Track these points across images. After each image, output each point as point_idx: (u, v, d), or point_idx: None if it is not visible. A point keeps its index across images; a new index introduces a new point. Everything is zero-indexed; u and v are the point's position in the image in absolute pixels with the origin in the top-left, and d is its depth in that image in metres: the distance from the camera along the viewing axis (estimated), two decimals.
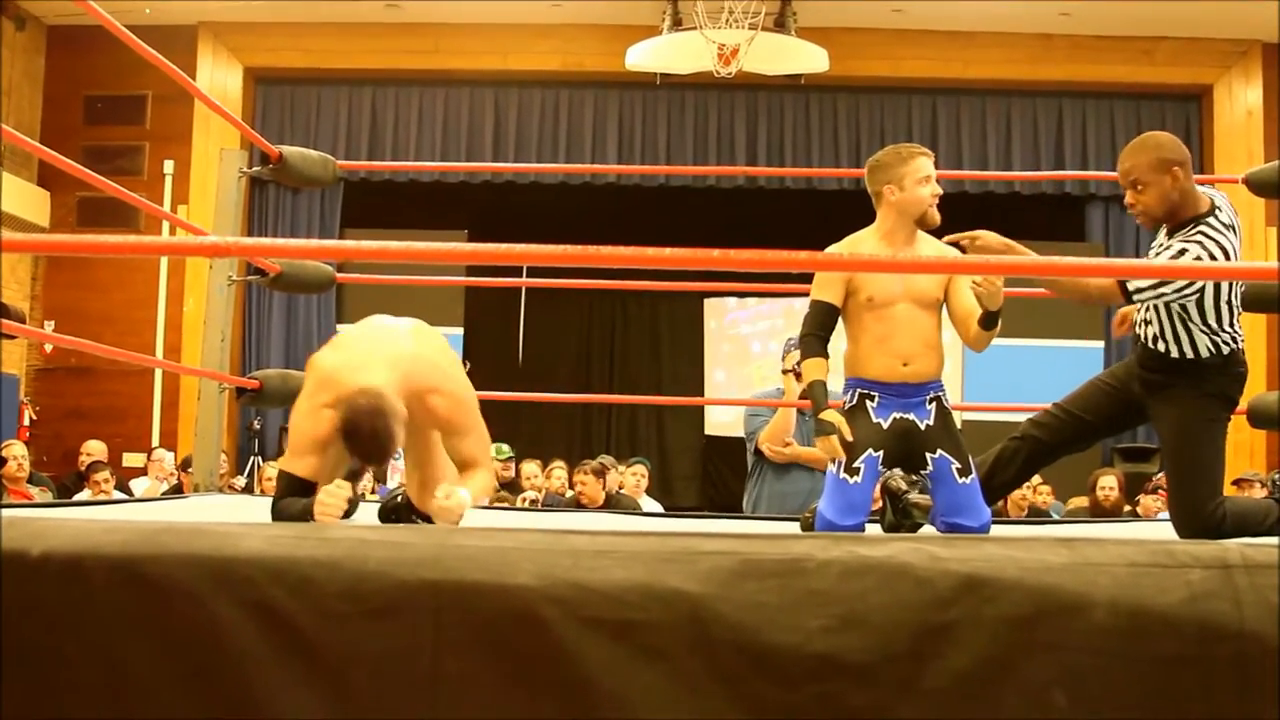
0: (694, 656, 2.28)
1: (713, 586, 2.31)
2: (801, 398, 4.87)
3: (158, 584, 2.34)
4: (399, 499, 4.19)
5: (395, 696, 2.29)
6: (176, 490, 9.35)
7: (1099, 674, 2.28)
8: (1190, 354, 3.98)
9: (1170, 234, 4.02)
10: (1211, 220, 3.93)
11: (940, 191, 4.10)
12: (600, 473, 8.91)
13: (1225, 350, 3.99)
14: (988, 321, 4.04)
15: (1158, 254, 4.03)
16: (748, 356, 15.25)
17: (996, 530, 4.17)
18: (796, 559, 2.34)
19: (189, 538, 2.42)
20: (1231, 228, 3.93)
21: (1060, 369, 10.52)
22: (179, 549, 2.38)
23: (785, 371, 5.83)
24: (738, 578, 2.32)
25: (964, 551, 2.37)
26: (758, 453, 6.11)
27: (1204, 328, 3.94)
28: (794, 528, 4.30)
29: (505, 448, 11.17)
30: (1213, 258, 3.84)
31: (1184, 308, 3.92)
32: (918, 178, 4.04)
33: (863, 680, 2.26)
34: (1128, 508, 9.38)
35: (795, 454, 5.95)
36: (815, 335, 4.09)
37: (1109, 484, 9.34)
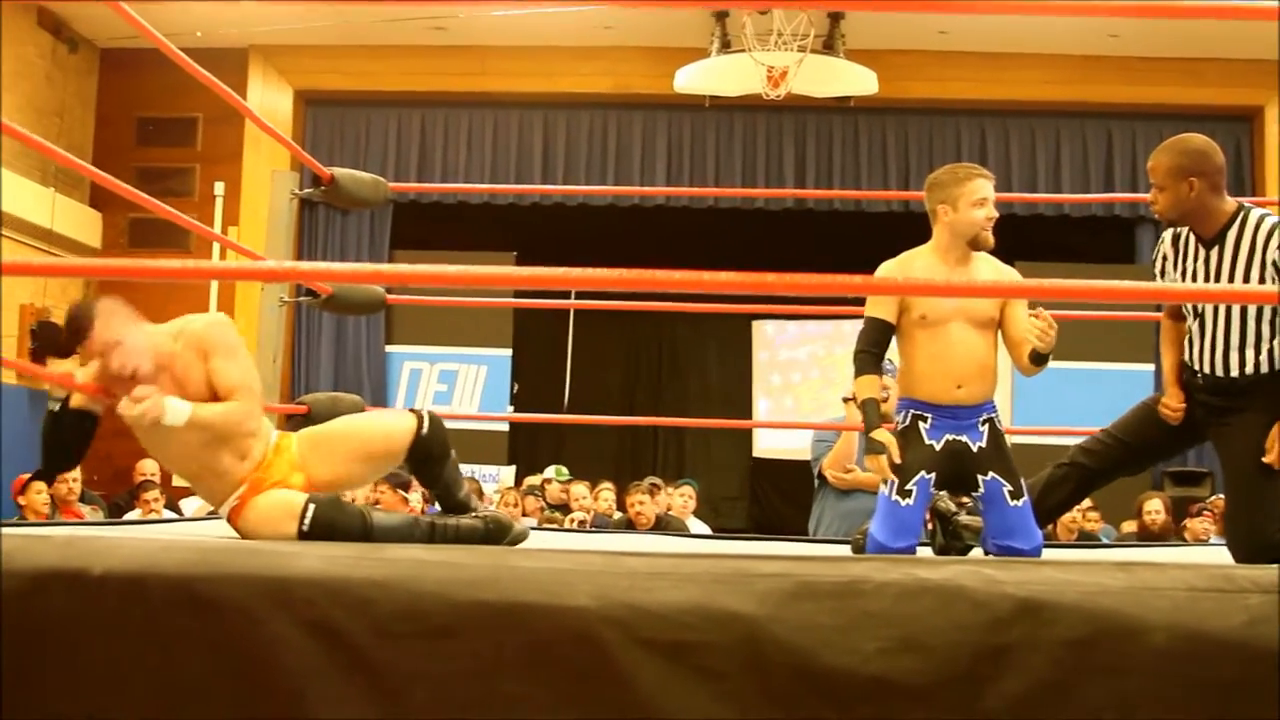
0: (749, 677, 2.29)
1: (768, 608, 2.31)
2: None
3: (215, 602, 2.36)
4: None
5: (455, 716, 2.30)
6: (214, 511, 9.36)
7: (1157, 698, 2.27)
8: (1265, 368, 3.93)
9: (1208, 245, 3.97)
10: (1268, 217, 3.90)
11: (995, 215, 4.02)
12: (653, 493, 8.93)
13: None
14: (1036, 359, 4.01)
15: (1205, 267, 3.98)
16: (795, 379, 15.22)
17: (1047, 554, 4.14)
18: (853, 581, 2.34)
19: (245, 557, 2.44)
20: None
21: (1110, 391, 10.44)
22: (235, 568, 2.40)
23: (846, 400, 5.85)
24: (794, 599, 2.32)
25: (1022, 575, 2.36)
26: (821, 476, 6.17)
27: None
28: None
29: (565, 470, 11.21)
30: None
31: None
32: (973, 200, 4.00)
33: (920, 702, 2.26)
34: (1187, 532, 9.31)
35: (857, 480, 6.00)
36: (868, 352, 4.06)
37: (1155, 507, 9.29)
